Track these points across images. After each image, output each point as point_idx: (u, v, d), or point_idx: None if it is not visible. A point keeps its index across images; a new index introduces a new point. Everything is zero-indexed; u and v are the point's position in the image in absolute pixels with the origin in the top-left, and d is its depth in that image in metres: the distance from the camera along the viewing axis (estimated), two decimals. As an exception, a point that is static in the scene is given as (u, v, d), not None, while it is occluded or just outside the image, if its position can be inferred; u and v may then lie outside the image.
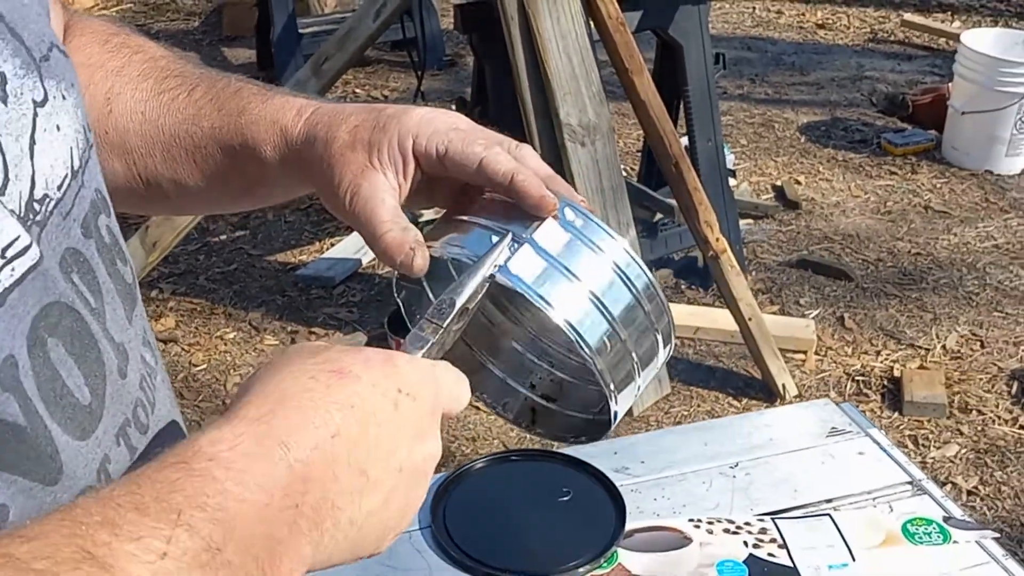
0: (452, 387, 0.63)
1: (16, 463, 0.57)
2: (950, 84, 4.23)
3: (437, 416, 0.61)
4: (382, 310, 3.17)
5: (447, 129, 0.72)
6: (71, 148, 0.64)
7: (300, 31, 4.64)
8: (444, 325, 0.63)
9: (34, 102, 0.61)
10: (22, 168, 0.59)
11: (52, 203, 0.62)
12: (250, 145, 0.77)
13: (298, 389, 0.56)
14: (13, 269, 0.57)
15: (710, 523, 1.06)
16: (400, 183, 0.71)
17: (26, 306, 0.58)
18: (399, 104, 0.81)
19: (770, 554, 1.02)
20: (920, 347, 3.11)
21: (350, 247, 3.50)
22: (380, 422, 0.57)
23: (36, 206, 0.60)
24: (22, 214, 0.58)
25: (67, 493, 0.60)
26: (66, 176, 0.63)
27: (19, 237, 0.57)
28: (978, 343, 3.14)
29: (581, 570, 1.01)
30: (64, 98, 0.64)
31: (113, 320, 0.67)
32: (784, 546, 1.03)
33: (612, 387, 0.67)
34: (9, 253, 0.57)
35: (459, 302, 0.64)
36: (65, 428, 0.60)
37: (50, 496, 0.59)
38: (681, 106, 3.16)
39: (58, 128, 0.63)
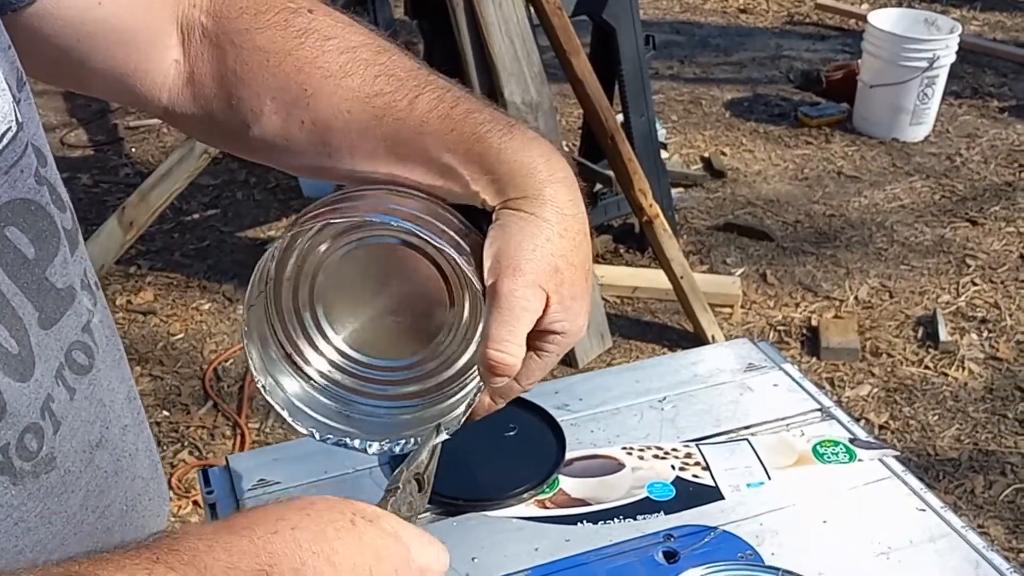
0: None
1: None
2: (859, 61, 4.27)
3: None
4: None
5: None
6: (11, 103, 0.63)
7: (262, 23, 4.58)
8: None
9: None
10: None
11: None
12: (475, 175, 0.74)
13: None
14: None
15: (641, 450, 1.08)
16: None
17: None
18: None
19: (695, 475, 1.04)
20: (835, 298, 3.17)
21: (314, 223, 3.46)
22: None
23: None
24: None
25: (11, 429, 0.61)
26: (8, 130, 0.62)
27: None
28: (887, 293, 3.20)
29: (526, 496, 1.02)
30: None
31: (62, 265, 0.66)
32: (707, 468, 1.05)
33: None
34: None
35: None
36: (6, 372, 0.61)
37: None
38: (616, 85, 3.17)
39: None
